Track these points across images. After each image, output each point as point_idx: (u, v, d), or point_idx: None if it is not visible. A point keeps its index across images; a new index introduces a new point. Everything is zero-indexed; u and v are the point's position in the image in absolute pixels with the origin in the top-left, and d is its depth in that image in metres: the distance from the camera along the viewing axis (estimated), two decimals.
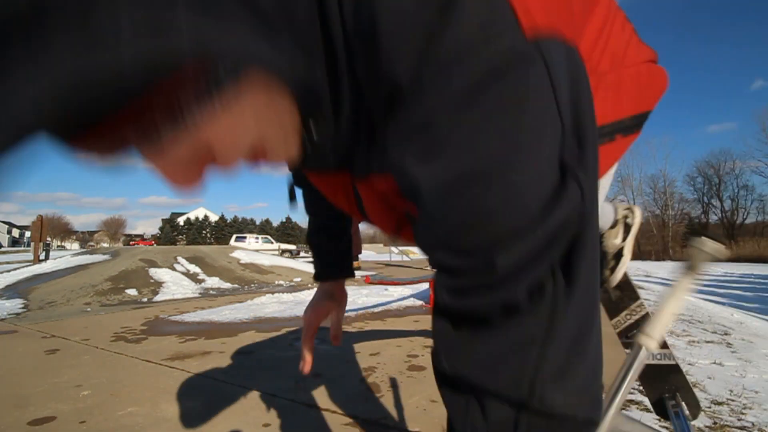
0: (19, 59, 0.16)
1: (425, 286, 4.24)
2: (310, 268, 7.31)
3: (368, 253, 14.09)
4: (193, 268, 6.06)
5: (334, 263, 0.65)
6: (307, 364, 0.58)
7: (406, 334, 2.53)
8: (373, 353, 2.13)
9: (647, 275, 15.69)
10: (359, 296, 4.18)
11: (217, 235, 58.40)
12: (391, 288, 4.67)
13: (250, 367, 1.92)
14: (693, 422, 1.25)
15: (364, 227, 13.20)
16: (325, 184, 0.44)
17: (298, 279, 6.36)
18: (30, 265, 7.01)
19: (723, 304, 7.01)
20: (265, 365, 1.95)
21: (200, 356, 2.12)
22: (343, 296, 0.66)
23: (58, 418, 1.39)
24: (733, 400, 1.51)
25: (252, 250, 8.17)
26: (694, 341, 2.42)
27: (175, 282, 5.27)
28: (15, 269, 6.60)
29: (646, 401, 1.45)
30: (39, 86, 0.16)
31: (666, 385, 0.94)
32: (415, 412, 1.41)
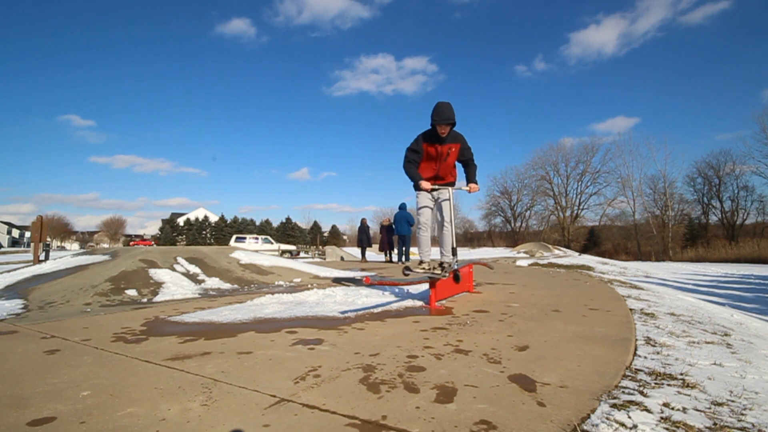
0: None
1: (425, 286, 4.24)
2: (310, 269, 7.31)
3: (369, 254, 14.09)
4: (193, 269, 6.06)
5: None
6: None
7: (406, 335, 2.53)
8: (373, 353, 2.13)
9: (647, 275, 15.70)
10: (359, 296, 4.18)
11: (217, 235, 58.38)
12: (390, 288, 4.67)
13: (250, 367, 1.92)
14: (695, 425, 1.24)
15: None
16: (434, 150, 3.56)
17: (298, 279, 6.36)
18: (30, 266, 7.01)
19: (723, 304, 7.02)
20: (265, 365, 1.96)
21: (200, 356, 2.13)
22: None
23: (58, 419, 1.39)
24: (733, 401, 1.51)
25: (252, 251, 8.16)
26: (693, 342, 2.42)
27: (174, 282, 5.26)
28: (15, 269, 6.60)
29: (646, 401, 1.45)
30: None
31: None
32: (415, 412, 1.40)
